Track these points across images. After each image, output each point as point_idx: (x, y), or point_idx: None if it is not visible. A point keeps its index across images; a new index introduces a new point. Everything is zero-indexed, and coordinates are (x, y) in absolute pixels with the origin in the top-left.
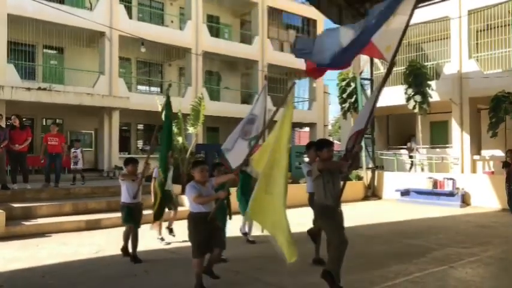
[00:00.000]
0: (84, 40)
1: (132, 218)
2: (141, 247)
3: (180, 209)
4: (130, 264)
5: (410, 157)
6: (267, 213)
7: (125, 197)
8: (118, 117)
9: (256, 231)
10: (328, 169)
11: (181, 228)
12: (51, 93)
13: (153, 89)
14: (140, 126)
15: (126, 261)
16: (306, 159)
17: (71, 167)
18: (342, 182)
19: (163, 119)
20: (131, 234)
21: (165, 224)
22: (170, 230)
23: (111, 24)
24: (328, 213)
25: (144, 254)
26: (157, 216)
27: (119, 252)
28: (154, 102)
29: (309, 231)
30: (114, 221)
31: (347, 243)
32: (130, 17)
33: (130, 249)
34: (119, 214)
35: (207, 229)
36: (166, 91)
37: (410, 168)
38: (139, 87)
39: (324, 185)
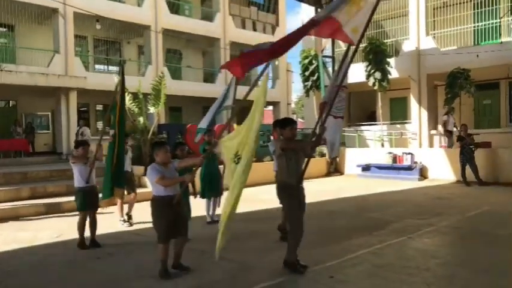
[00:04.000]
0: (36, 17)
1: (87, 204)
2: (103, 230)
3: (142, 190)
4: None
5: (449, 132)
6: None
7: (78, 181)
8: (75, 98)
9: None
10: (291, 148)
11: (145, 210)
12: (2, 74)
13: (111, 68)
14: (99, 107)
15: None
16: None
17: None
18: (305, 160)
19: (118, 100)
20: (89, 219)
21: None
22: (129, 217)
23: (65, 0)
24: (290, 192)
25: (107, 237)
26: (108, 194)
27: None
28: (113, 82)
29: (279, 227)
30: (75, 205)
31: (303, 231)
32: None
33: (87, 241)
34: None
35: (171, 213)
36: (120, 68)
37: (450, 146)
38: (97, 66)
39: (287, 163)
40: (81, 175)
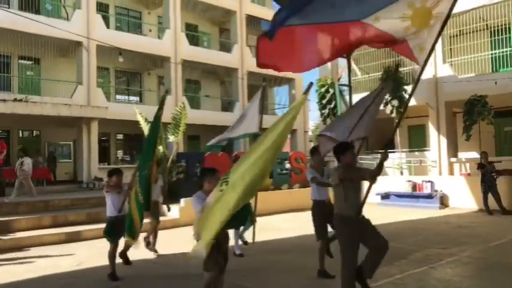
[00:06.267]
0: (61, 50)
1: (118, 233)
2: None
3: (163, 218)
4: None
5: None
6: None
7: (110, 211)
8: (97, 128)
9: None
10: (349, 178)
11: (165, 239)
12: (28, 105)
13: (132, 98)
14: (120, 136)
15: (107, 273)
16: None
17: None
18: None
19: (150, 131)
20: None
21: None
22: (147, 243)
23: (88, 34)
24: (347, 228)
25: (126, 266)
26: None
27: (101, 263)
28: (134, 112)
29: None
30: (95, 233)
31: (354, 271)
32: (108, 27)
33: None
34: (99, 225)
35: (217, 240)
36: (160, 103)
37: None
38: (118, 96)
39: (345, 193)
40: (113, 204)
